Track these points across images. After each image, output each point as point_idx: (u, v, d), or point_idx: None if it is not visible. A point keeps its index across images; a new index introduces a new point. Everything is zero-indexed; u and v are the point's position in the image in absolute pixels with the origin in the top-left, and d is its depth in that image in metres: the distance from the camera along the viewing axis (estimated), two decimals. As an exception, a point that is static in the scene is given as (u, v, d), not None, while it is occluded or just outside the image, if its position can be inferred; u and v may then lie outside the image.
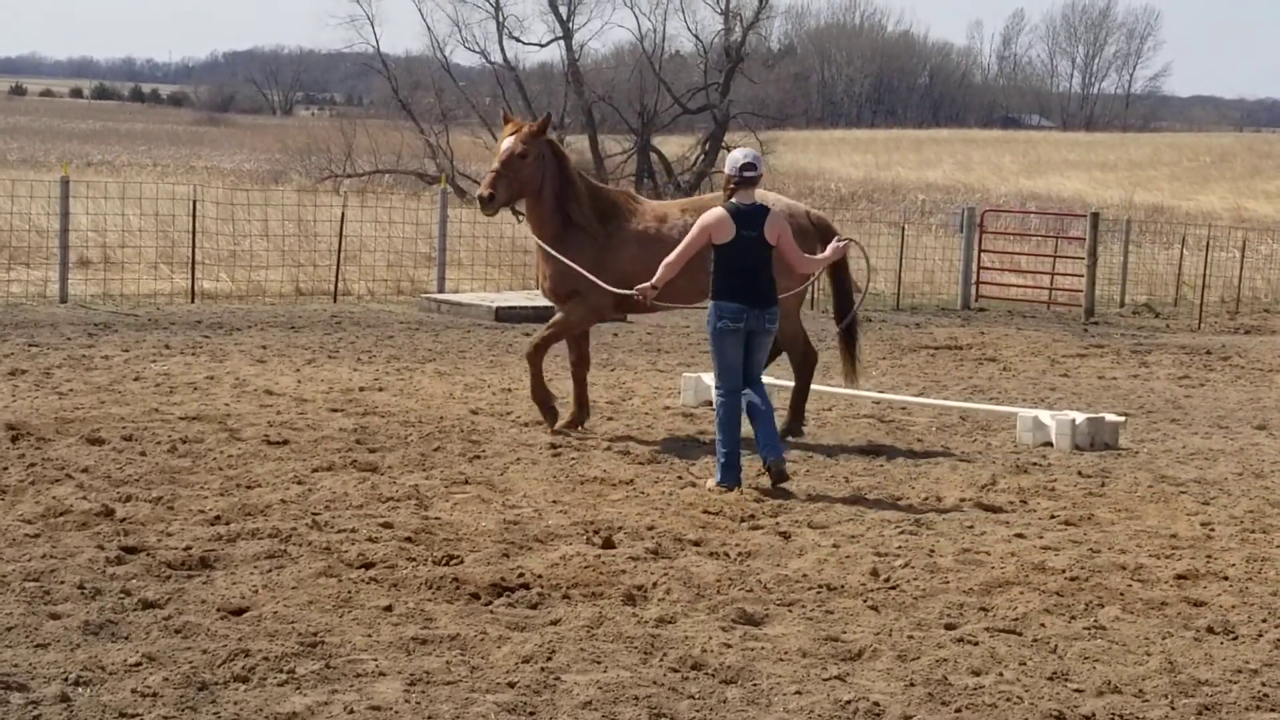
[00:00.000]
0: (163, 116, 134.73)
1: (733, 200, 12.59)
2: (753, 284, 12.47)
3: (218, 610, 8.46)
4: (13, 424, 13.16)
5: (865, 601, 9.35)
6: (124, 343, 19.05)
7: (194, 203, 25.46)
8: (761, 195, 14.03)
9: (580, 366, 14.88)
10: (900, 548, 10.68)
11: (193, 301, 24.02)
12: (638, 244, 14.44)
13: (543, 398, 14.62)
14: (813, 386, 15.43)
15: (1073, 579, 10.03)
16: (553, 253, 14.29)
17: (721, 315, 12.43)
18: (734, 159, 12.77)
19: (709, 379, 16.50)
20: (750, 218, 12.51)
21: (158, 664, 7.54)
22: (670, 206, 15.30)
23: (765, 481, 12.56)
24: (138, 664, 7.52)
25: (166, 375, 16.61)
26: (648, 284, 13.01)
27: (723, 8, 70.86)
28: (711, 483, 12.39)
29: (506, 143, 14.31)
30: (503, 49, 70.01)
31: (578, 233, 14.45)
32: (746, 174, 12.61)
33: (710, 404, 16.23)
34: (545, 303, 22.22)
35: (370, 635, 8.18)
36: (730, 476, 12.36)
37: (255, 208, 30.52)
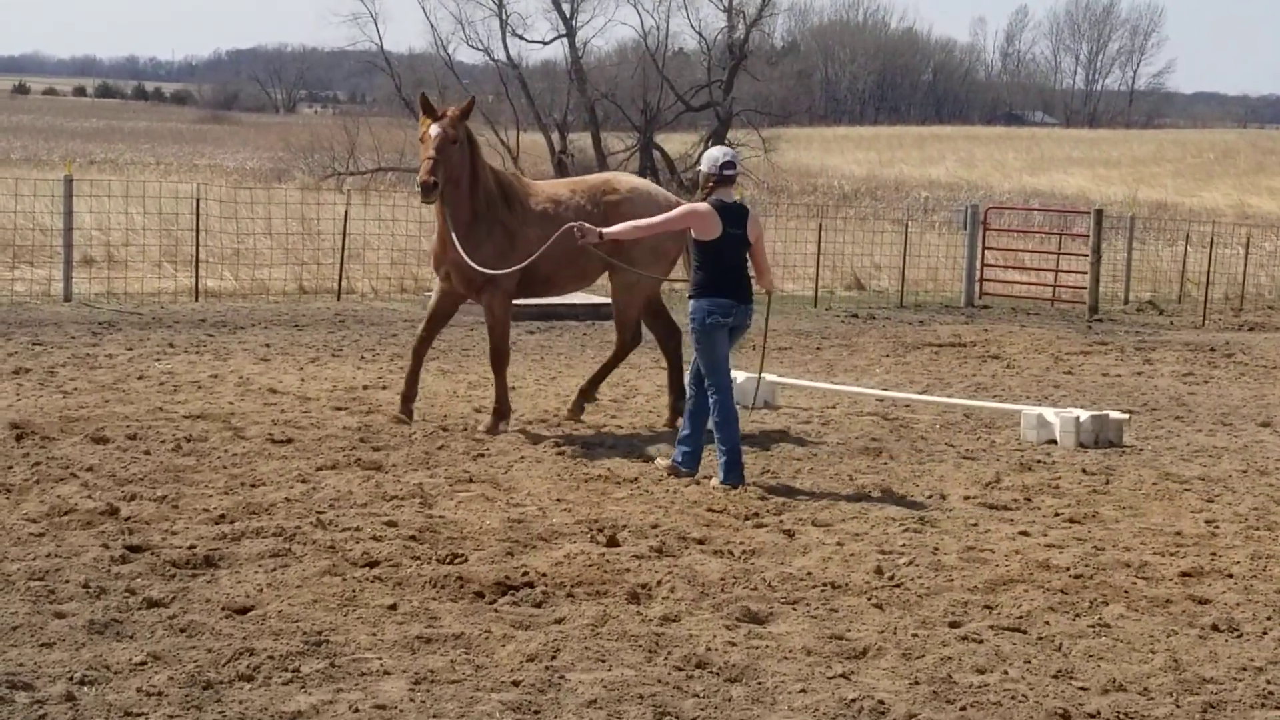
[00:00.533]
0: (166, 115, 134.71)
1: (715, 197, 12.64)
2: (739, 280, 12.65)
3: (222, 609, 8.47)
4: (17, 423, 13.17)
5: (870, 600, 9.35)
6: (128, 341, 19.06)
7: (197, 201, 25.44)
8: (620, 178, 14.95)
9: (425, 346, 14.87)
10: (905, 546, 10.68)
11: (196, 300, 24.02)
12: (540, 224, 14.36)
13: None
14: (818, 384, 15.43)
15: (1077, 576, 10.03)
16: (459, 248, 14.07)
17: (713, 311, 12.49)
18: (714, 157, 12.84)
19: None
20: (735, 215, 12.65)
21: (163, 663, 7.55)
22: (560, 186, 15.29)
23: (768, 480, 12.59)
24: (143, 663, 7.53)
25: (170, 374, 16.62)
26: (595, 230, 13.03)
27: (726, 5, 70.95)
28: (715, 481, 12.40)
29: (437, 129, 14.05)
30: (506, 46, 70.19)
31: (487, 218, 14.26)
32: (727, 172, 12.72)
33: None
34: (548, 300, 22.26)
35: (375, 634, 8.18)
36: (735, 475, 12.37)
37: (259, 206, 30.52)
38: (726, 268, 12.56)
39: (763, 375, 15.00)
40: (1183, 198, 75.84)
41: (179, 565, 9.27)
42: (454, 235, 14.02)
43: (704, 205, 12.60)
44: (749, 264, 12.80)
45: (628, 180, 15.37)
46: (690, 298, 12.66)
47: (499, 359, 14.53)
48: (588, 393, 15.35)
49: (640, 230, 13.03)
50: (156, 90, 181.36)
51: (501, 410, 14.45)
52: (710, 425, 12.65)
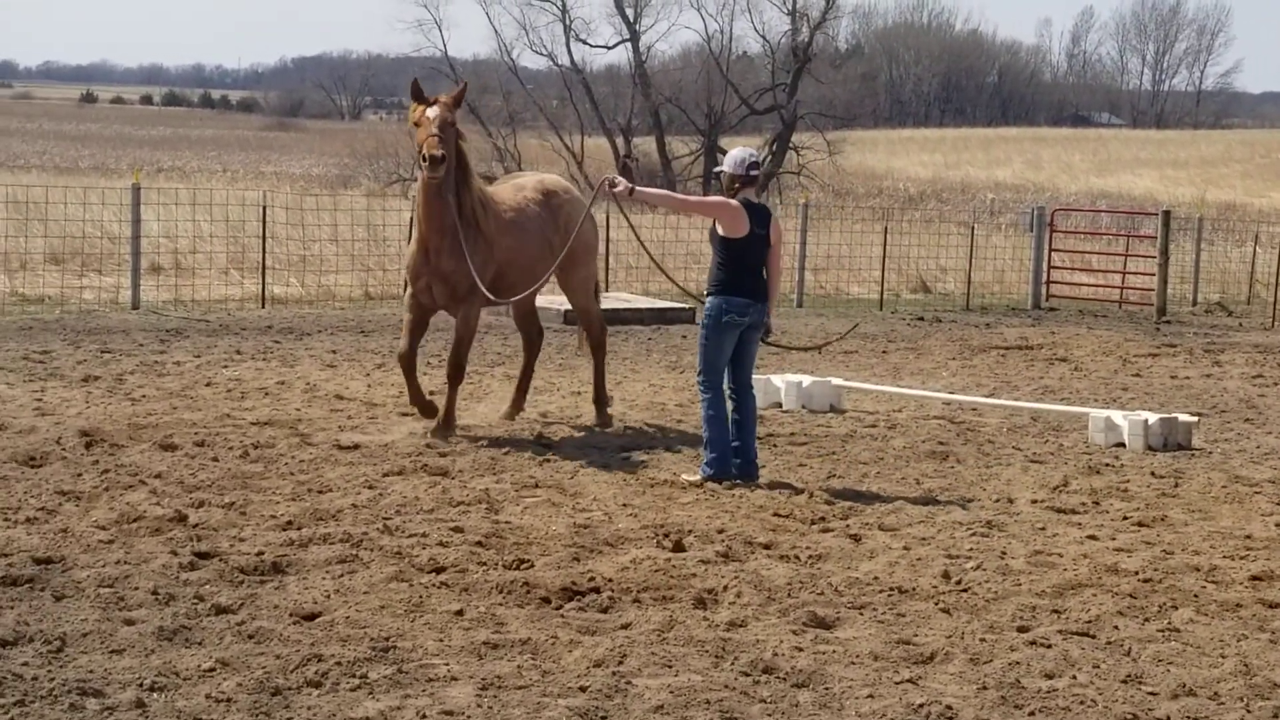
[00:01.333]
0: (232, 122, 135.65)
1: (741, 197, 12.68)
2: (758, 280, 12.71)
3: (290, 615, 8.50)
4: (87, 430, 13.26)
5: (937, 604, 9.31)
6: (195, 348, 19.17)
7: (264, 208, 25.59)
8: (553, 181, 14.98)
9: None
10: (972, 550, 10.63)
11: (263, 307, 24.15)
12: (510, 233, 14.12)
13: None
14: (885, 388, 15.37)
15: (1146, 581, 9.96)
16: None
17: (729, 309, 12.55)
18: (739, 158, 12.87)
19: (778, 381, 16.51)
20: (760, 216, 12.73)
21: (231, 669, 7.58)
22: (508, 191, 14.67)
23: (835, 484, 12.58)
24: (211, 669, 7.56)
25: (238, 380, 16.70)
26: (628, 185, 12.96)
27: (789, 8, 70.87)
28: (697, 476, 12.49)
29: (436, 110, 13.46)
30: (570, 52, 70.27)
31: (473, 225, 13.73)
32: (752, 172, 12.81)
33: (779, 406, 16.24)
34: (613, 305, 22.26)
35: (442, 640, 8.20)
36: (722, 469, 12.50)
37: (324, 212, 30.67)
38: (748, 267, 12.61)
39: (828, 379, 14.97)
40: (1251, 198, 75.37)
41: (247, 571, 9.31)
42: (445, 243, 13.62)
43: (735, 201, 12.61)
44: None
45: (560, 182, 15.32)
46: (708, 294, 12.66)
47: (459, 371, 14.11)
48: (602, 411, 15.11)
49: (671, 201, 13.30)
50: (223, 98, 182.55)
51: (449, 422, 13.95)
52: (702, 419, 12.73)
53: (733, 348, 12.69)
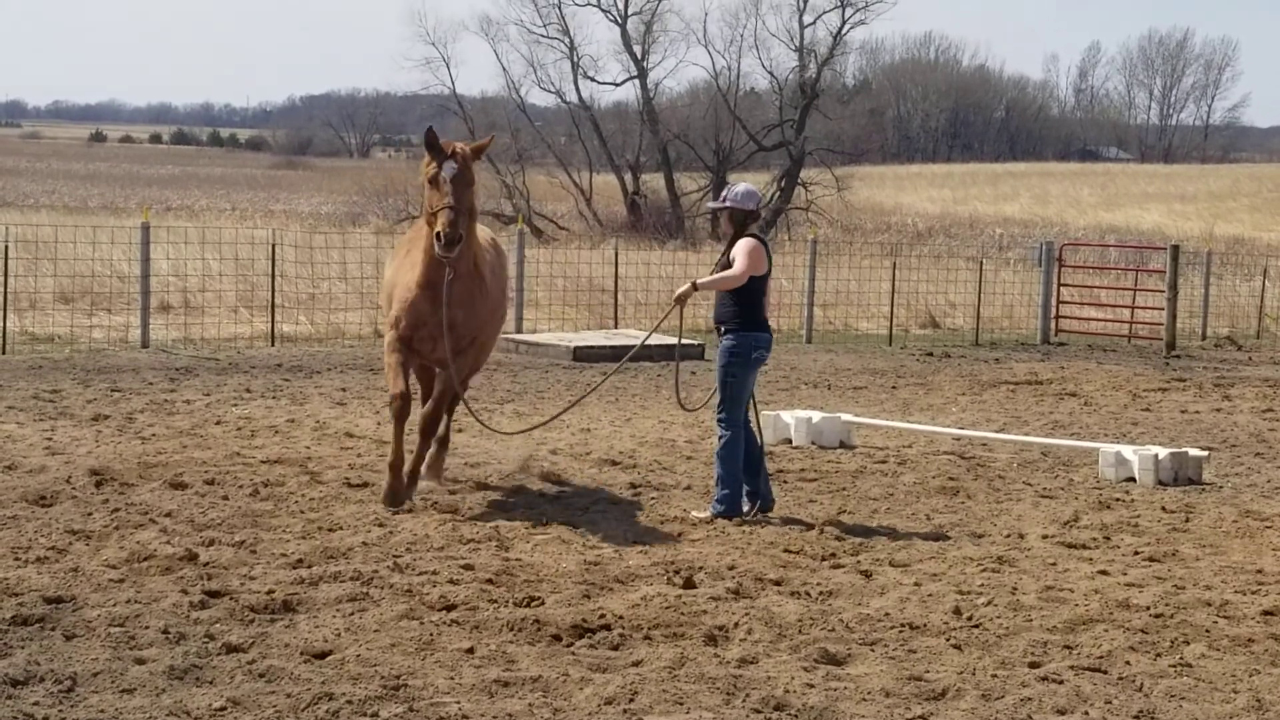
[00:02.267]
0: (241, 161, 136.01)
1: (753, 231, 12.74)
2: (766, 314, 12.85)
3: (301, 654, 8.49)
4: (97, 469, 13.27)
5: (948, 640, 9.29)
6: (205, 387, 19.19)
7: (273, 246, 25.65)
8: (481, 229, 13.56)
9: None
10: (983, 585, 10.61)
11: (273, 345, 24.18)
12: (493, 279, 13.25)
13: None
14: (894, 424, 15.35)
15: (1158, 616, 9.94)
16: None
17: (759, 345, 12.63)
18: (754, 193, 12.90)
19: (788, 417, 16.50)
20: (768, 250, 12.81)
21: (242, 708, 7.57)
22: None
23: (845, 519, 12.58)
24: (223, 708, 7.55)
25: (247, 419, 16.71)
26: (688, 284, 12.84)
27: (797, 45, 70.99)
28: (706, 513, 12.51)
29: (451, 169, 12.21)
30: (578, 88, 70.39)
31: (476, 273, 12.79)
32: (760, 208, 12.84)
33: (789, 442, 16.24)
34: (622, 342, 22.28)
35: (453, 678, 8.18)
36: (730, 510, 12.50)
37: (334, 250, 30.72)
38: (762, 302, 12.73)
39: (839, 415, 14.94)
40: (1260, 232, 75.33)
41: (257, 610, 9.30)
42: (455, 291, 12.51)
43: (755, 241, 12.62)
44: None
45: (488, 232, 14.39)
46: (733, 332, 12.60)
47: (436, 424, 13.19)
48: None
49: (728, 281, 12.50)
50: (231, 136, 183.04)
51: (413, 480, 12.78)
52: (716, 456, 12.74)
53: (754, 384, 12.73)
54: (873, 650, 9.03)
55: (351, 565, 10.40)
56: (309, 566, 10.35)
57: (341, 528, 11.60)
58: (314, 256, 29.51)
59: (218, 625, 8.96)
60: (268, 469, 13.78)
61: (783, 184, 68.77)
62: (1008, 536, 12.29)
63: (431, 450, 13.36)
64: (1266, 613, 10.14)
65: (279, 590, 9.70)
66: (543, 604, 9.67)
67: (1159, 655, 9.15)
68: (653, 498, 13.29)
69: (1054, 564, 11.38)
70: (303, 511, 12.13)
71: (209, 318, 25.99)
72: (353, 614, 9.30)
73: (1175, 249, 30.60)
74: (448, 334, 12.50)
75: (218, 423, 16.38)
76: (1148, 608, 10.12)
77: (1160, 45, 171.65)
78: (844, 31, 72.35)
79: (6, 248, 23.81)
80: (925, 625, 9.58)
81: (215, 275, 29.11)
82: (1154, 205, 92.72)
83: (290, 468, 13.86)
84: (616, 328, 27.30)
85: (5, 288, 23.06)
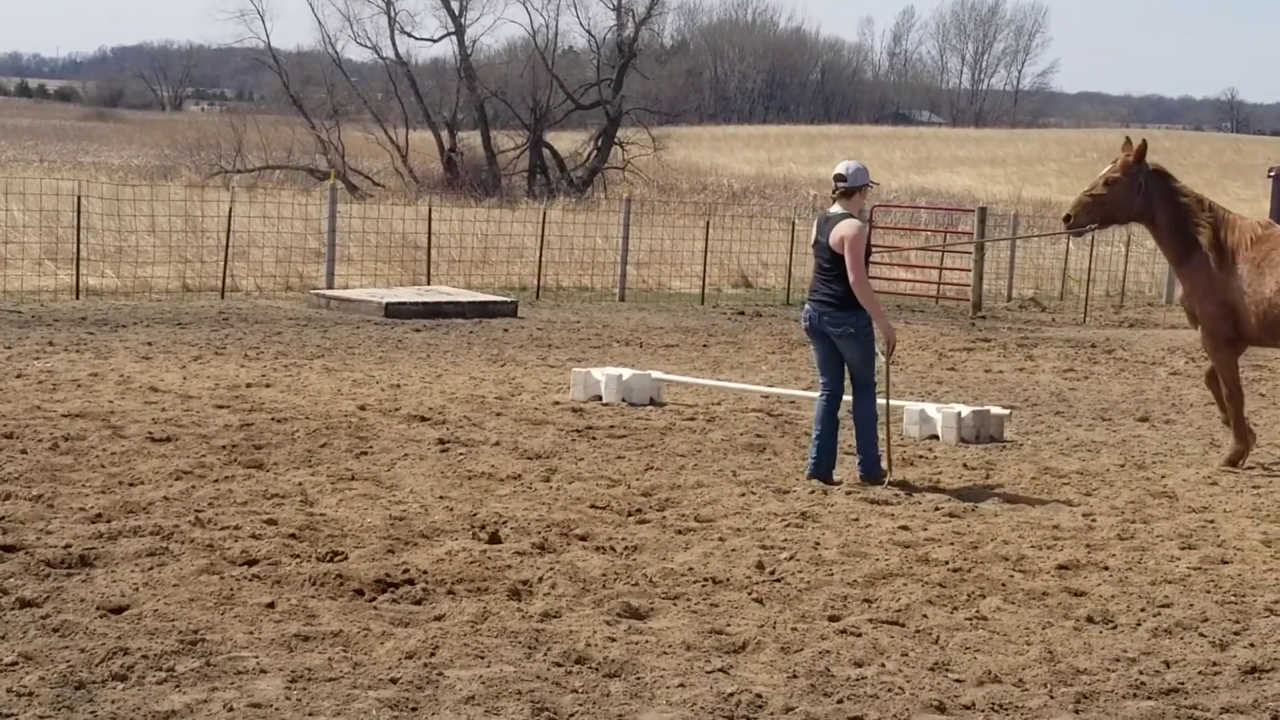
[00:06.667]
0: (50, 112, 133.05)
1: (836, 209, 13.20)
2: None
3: (97, 609, 8.37)
4: (-109, 422, 12.98)
5: (750, 594, 9.37)
6: (6, 340, 18.81)
7: (79, 198, 25.19)
8: None
9: None
10: (786, 541, 10.72)
11: (77, 298, 23.76)
12: None
13: None
14: (704, 381, 15.41)
15: (955, 570, 10.11)
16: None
17: (806, 317, 13.35)
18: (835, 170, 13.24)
19: (598, 374, 16.53)
20: (823, 226, 13.29)
21: (34, 663, 7.45)
22: None
23: (652, 476, 12.64)
24: (14, 663, 7.43)
25: (49, 372, 16.42)
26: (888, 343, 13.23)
27: (615, 4, 70.83)
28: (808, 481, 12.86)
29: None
30: (394, 44, 69.61)
31: None
32: (839, 184, 13.15)
33: (599, 399, 16.26)
34: (434, 298, 22.17)
35: (252, 632, 8.12)
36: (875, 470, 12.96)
37: (143, 204, 30.21)
38: (817, 274, 13.36)
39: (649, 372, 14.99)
40: (1066, 195, 76.29)
41: (53, 565, 9.15)
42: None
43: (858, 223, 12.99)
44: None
45: None
46: (853, 309, 12.99)
47: None
48: None
49: (870, 295, 13.20)
50: (40, 87, 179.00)
51: None
52: (855, 421, 13.07)
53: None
54: (675, 604, 9.09)
55: (152, 520, 10.26)
56: (108, 521, 10.20)
57: (143, 482, 11.44)
58: (122, 209, 29.00)
59: (11, 580, 8.80)
60: (69, 423, 13.56)
61: (599, 143, 68.66)
62: (812, 493, 12.41)
63: None
64: (1061, 567, 10.35)
65: (76, 545, 9.55)
66: (346, 559, 9.62)
67: (956, 609, 9.30)
68: (461, 453, 13.26)
69: (856, 519, 11.52)
70: (104, 466, 11.94)
71: (12, 270, 25.46)
72: (151, 569, 9.19)
73: (983, 211, 31.09)
74: None
75: (18, 376, 16.08)
76: (946, 562, 10.28)
77: (972, 11, 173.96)
78: (662, -9, 72.36)
79: None
80: (728, 580, 9.66)
81: (19, 227, 28.57)
82: (964, 168, 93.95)
83: (92, 422, 13.64)
84: (429, 284, 27.16)
85: None
